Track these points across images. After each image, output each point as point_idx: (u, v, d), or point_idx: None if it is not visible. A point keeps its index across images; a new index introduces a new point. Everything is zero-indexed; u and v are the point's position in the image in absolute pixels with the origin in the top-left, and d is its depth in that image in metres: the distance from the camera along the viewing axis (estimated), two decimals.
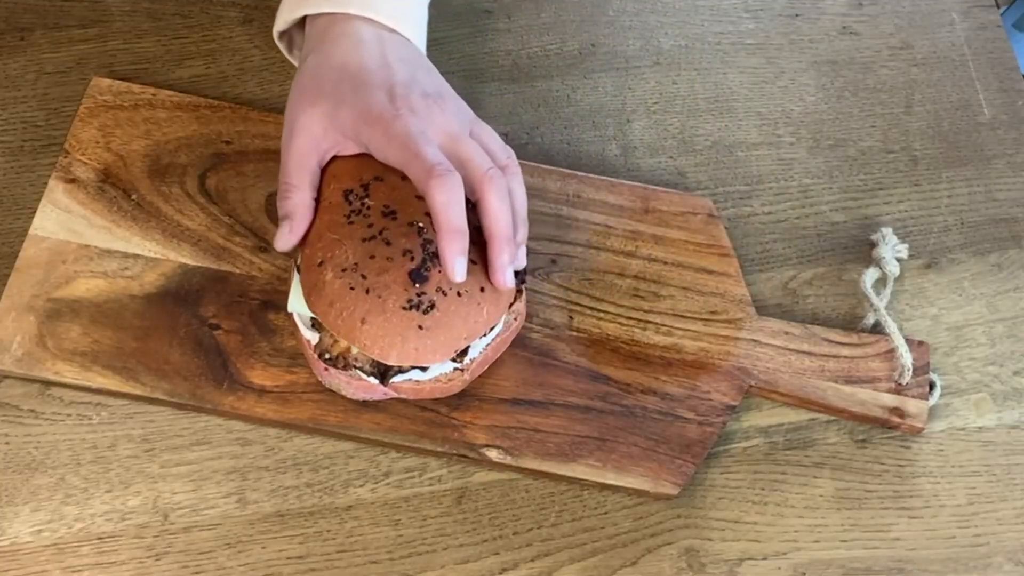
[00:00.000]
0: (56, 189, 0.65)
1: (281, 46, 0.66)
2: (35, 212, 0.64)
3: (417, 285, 0.53)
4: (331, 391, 0.60)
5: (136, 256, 0.64)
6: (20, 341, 0.61)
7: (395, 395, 0.59)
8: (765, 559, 0.60)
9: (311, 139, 0.56)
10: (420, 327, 0.53)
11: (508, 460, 0.60)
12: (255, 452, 0.61)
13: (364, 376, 0.57)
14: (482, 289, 0.55)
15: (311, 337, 0.58)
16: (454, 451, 0.60)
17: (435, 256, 0.54)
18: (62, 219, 0.64)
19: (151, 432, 0.61)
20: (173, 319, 0.62)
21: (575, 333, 0.64)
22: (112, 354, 0.61)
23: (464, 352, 0.56)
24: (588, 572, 0.59)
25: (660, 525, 0.61)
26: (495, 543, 0.60)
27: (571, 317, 0.65)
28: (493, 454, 0.60)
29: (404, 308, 0.53)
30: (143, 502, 0.59)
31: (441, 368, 0.57)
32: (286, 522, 0.59)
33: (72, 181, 0.65)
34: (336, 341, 0.57)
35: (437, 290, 0.54)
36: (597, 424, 0.62)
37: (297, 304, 0.57)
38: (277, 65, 0.73)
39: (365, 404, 0.61)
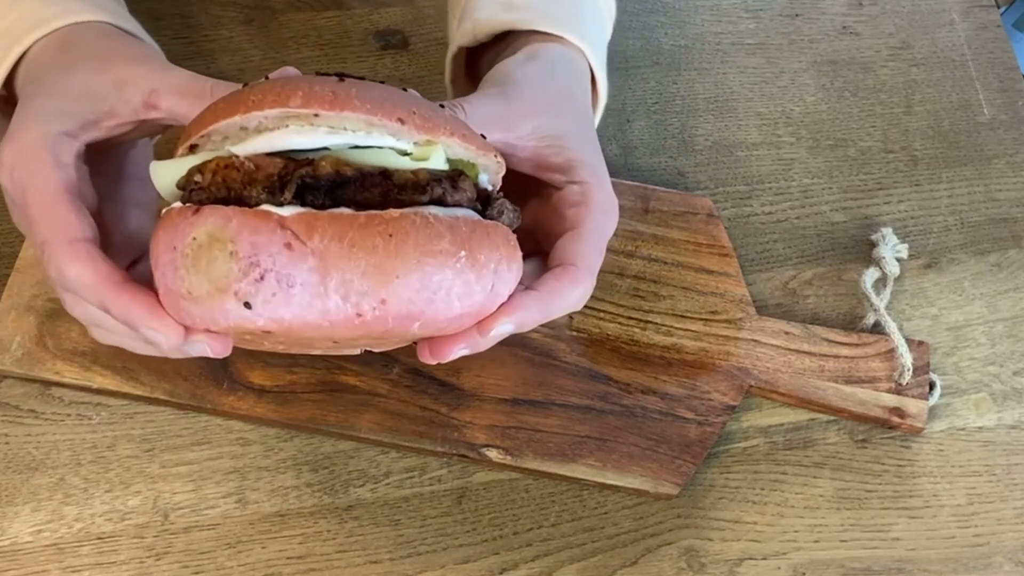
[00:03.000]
0: None
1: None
2: None
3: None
4: (330, 391, 0.60)
5: None
6: (20, 341, 0.61)
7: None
8: (765, 559, 0.60)
9: None
10: (341, 79, 0.39)
11: (508, 460, 0.60)
12: (255, 452, 0.61)
13: (262, 202, 0.37)
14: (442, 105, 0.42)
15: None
16: (454, 451, 0.60)
17: None
18: None
19: (151, 432, 0.61)
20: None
21: (575, 333, 0.64)
22: (112, 354, 0.61)
23: None
24: (588, 572, 0.59)
25: (660, 525, 0.61)
26: (495, 543, 0.60)
27: (571, 317, 0.65)
28: (493, 454, 0.60)
29: (320, 74, 0.40)
30: (143, 502, 0.59)
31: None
32: (286, 522, 0.59)
33: None
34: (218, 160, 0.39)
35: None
36: (597, 424, 0.62)
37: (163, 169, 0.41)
38: (277, 65, 0.72)
39: (365, 404, 0.61)
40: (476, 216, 0.39)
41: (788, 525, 0.62)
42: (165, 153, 0.43)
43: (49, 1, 0.47)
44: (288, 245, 0.35)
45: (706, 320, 0.65)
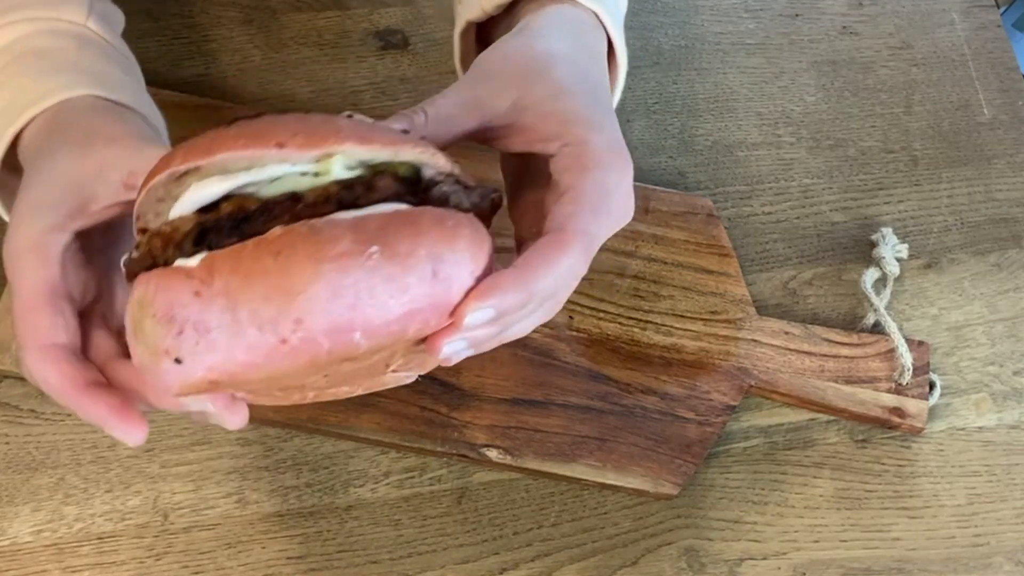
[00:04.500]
0: None
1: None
2: None
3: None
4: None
5: None
6: None
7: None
8: (765, 559, 0.60)
9: None
10: (233, 121, 0.38)
11: (508, 460, 0.60)
12: (255, 452, 0.61)
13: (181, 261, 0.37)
14: (349, 116, 0.40)
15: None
16: (454, 451, 0.60)
17: None
18: None
19: (151, 432, 0.60)
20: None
21: (575, 333, 0.64)
22: None
23: None
24: (588, 572, 0.59)
25: (660, 525, 0.61)
26: (495, 543, 0.60)
27: (571, 317, 0.65)
28: (493, 454, 0.60)
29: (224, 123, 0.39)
30: (143, 502, 0.59)
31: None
32: (286, 522, 0.59)
33: None
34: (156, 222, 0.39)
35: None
36: (597, 424, 0.62)
37: None
38: (277, 65, 0.73)
39: (365, 404, 0.61)
40: (398, 208, 0.37)
41: (788, 525, 0.61)
42: None
43: (40, 77, 0.48)
44: (197, 293, 0.35)
45: (706, 320, 0.65)
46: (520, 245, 0.46)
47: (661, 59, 0.77)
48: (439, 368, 0.61)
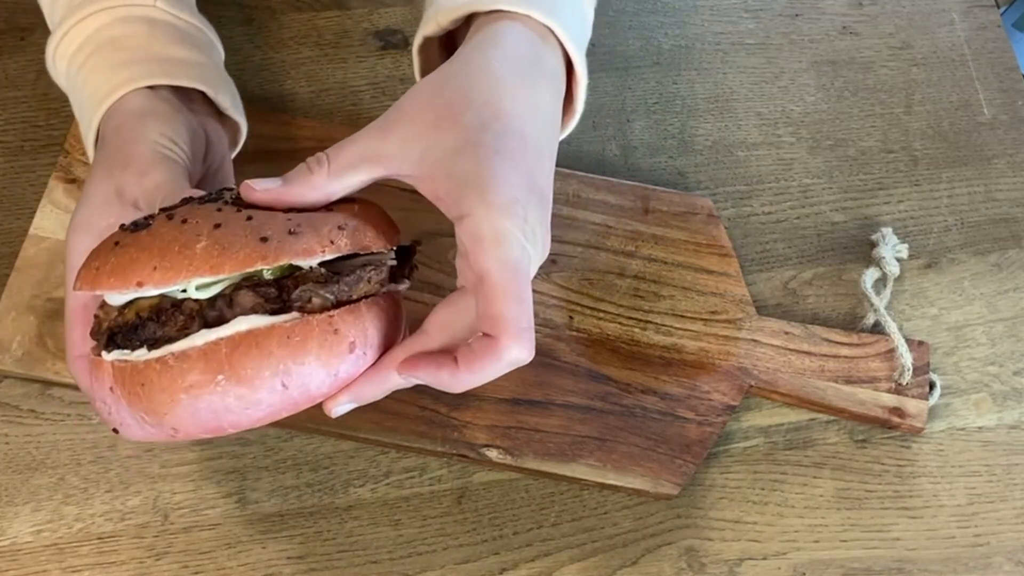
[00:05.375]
0: (56, 189, 0.65)
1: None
2: (35, 212, 0.64)
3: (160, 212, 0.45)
4: None
5: None
6: (20, 341, 0.61)
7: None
8: (765, 559, 0.60)
9: None
10: (116, 243, 0.44)
11: (508, 460, 0.60)
12: (255, 452, 0.61)
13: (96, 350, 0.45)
14: (217, 226, 0.42)
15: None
16: (454, 451, 0.60)
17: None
18: (62, 219, 0.64)
19: None
20: None
21: (575, 333, 0.64)
22: None
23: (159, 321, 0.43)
24: (588, 572, 0.59)
25: (660, 525, 0.61)
26: (495, 543, 0.60)
27: (571, 317, 0.65)
28: (493, 454, 0.60)
29: (123, 228, 0.44)
30: (143, 502, 0.59)
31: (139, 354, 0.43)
32: (286, 522, 0.59)
33: (72, 181, 0.65)
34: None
35: (166, 214, 0.44)
36: (597, 424, 0.62)
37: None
38: (277, 65, 0.73)
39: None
40: (254, 325, 0.42)
41: (788, 525, 0.62)
42: None
43: (113, 71, 0.55)
44: (112, 389, 0.44)
45: (706, 320, 0.65)
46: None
47: (661, 59, 0.77)
48: None
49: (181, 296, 0.43)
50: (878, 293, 0.67)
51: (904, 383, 0.64)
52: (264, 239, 0.42)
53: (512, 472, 0.61)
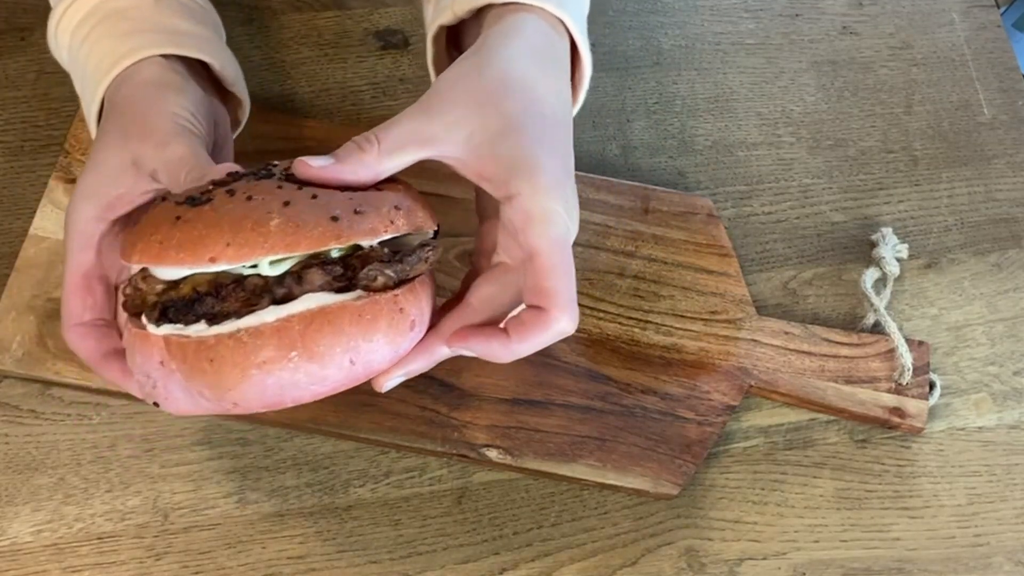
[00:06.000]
0: (56, 189, 0.65)
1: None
2: (35, 212, 0.64)
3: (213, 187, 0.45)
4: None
5: None
6: (20, 341, 0.61)
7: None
8: (765, 559, 0.60)
9: None
10: (177, 218, 0.43)
11: (508, 460, 0.60)
12: (255, 452, 0.61)
13: (140, 324, 0.45)
14: (286, 203, 0.43)
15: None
16: (454, 451, 0.60)
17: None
18: (62, 219, 0.64)
19: (151, 432, 0.61)
20: None
21: (575, 333, 0.64)
22: None
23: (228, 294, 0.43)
24: (588, 572, 0.59)
25: (660, 525, 0.61)
26: (495, 543, 0.60)
27: None
28: (493, 454, 0.60)
29: (178, 202, 0.44)
30: (143, 502, 0.59)
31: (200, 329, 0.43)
32: (286, 522, 0.59)
33: (72, 181, 0.65)
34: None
35: (225, 189, 0.44)
36: (597, 424, 0.62)
37: None
38: (277, 65, 0.73)
39: (365, 404, 0.61)
40: (322, 303, 0.42)
41: (788, 525, 0.62)
42: None
43: (121, 39, 0.54)
44: (162, 363, 0.43)
45: (706, 320, 0.65)
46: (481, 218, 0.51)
47: (661, 59, 0.77)
48: (439, 368, 0.61)
49: (246, 272, 0.43)
50: (878, 293, 0.67)
51: (904, 383, 0.64)
52: (334, 218, 0.42)
53: (512, 472, 0.61)
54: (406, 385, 0.61)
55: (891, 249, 0.68)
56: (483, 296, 0.47)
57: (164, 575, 0.57)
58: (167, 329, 0.43)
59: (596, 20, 0.78)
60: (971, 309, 0.69)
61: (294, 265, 0.43)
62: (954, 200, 0.73)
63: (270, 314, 0.42)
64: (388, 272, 0.44)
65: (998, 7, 0.82)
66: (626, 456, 0.61)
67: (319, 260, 0.43)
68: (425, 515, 0.60)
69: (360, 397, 0.61)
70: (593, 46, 0.77)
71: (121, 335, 0.51)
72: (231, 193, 0.43)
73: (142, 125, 0.50)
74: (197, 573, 0.58)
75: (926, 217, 0.72)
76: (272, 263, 0.43)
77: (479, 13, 0.52)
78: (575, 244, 0.66)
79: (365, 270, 0.43)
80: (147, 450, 0.60)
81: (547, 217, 0.44)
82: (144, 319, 0.44)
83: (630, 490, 0.61)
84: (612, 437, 0.61)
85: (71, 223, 0.50)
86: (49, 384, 0.61)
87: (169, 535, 0.58)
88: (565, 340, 0.63)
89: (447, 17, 0.53)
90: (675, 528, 0.61)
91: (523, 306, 0.46)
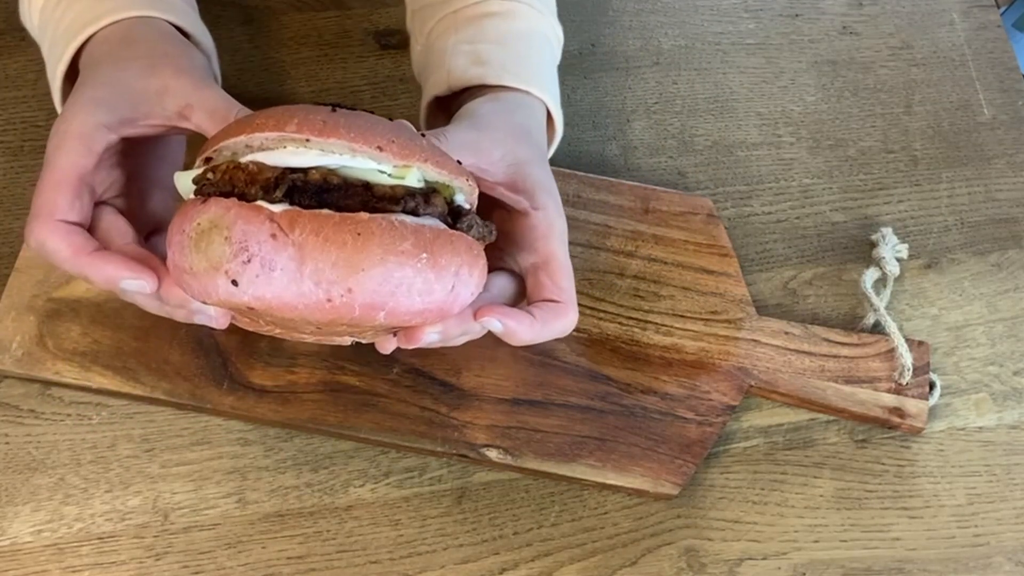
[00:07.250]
0: None
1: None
2: None
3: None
4: (331, 391, 0.60)
5: None
6: (20, 341, 0.61)
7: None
8: (765, 559, 0.60)
9: None
10: (333, 109, 0.45)
11: (508, 460, 0.60)
12: (255, 452, 0.61)
13: (256, 199, 0.43)
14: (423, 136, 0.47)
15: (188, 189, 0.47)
16: (454, 451, 0.60)
17: None
18: None
19: (151, 432, 0.61)
20: (173, 319, 0.62)
21: (575, 333, 0.64)
22: (112, 354, 0.61)
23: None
24: (588, 572, 0.59)
25: (660, 525, 0.61)
26: (495, 543, 0.60)
27: None
28: (493, 454, 0.60)
29: (317, 103, 0.46)
30: (143, 502, 0.59)
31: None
32: (286, 522, 0.59)
33: None
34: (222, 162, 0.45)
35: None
36: (597, 424, 0.62)
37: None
38: (277, 65, 0.73)
39: (365, 404, 0.61)
40: (443, 226, 0.44)
41: (788, 525, 0.62)
42: (190, 160, 0.49)
43: (100, 1, 0.53)
44: (273, 235, 0.41)
45: (706, 320, 0.65)
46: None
47: (661, 59, 0.77)
48: (439, 368, 0.62)
49: (373, 177, 0.43)
50: (878, 293, 0.67)
51: (904, 383, 0.64)
52: (459, 162, 0.47)
53: (512, 472, 0.61)
54: (406, 385, 0.62)
55: (891, 249, 0.68)
56: (501, 284, 0.52)
57: (164, 575, 0.57)
58: (284, 208, 0.42)
59: (597, 20, 0.78)
60: (971, 309, 0.69)
61: (426, 187, 0.45)
62: (954, 200, 0.73)
63: (400, 219, 0.43)
64: (480, 229, 0.47)
65: (998, 7, 0.82)
66: (626, 456, 0.61)
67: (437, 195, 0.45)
68: (425, 515, 0.60)
69: (360, 397, 0.61)
70: (592, 46, 0.77)
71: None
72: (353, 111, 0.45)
73: (176, 65, 0.50)
74: (197, 573, 0.58)
75: (926, 217, 0.72)
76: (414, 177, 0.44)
77: (468, 87, 0.59)
78: (575, 244, 0.67)
79: (466, 219, 0.46)
80: (147, 450, 0.60)
81: (564, 229, 0.52)
82: (256, 194, 0.43)
83: (630, 490, 0.61)
84: (612, 437, 0.61)
85: (72, 126, 0.47)
86: (49, 384, 0.61)
87: (169, 535, 0.58)
88: (565, 340, 0.63)
89: (441, 90, 0.60)
90: (675, 528, 0.61)
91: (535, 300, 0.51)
